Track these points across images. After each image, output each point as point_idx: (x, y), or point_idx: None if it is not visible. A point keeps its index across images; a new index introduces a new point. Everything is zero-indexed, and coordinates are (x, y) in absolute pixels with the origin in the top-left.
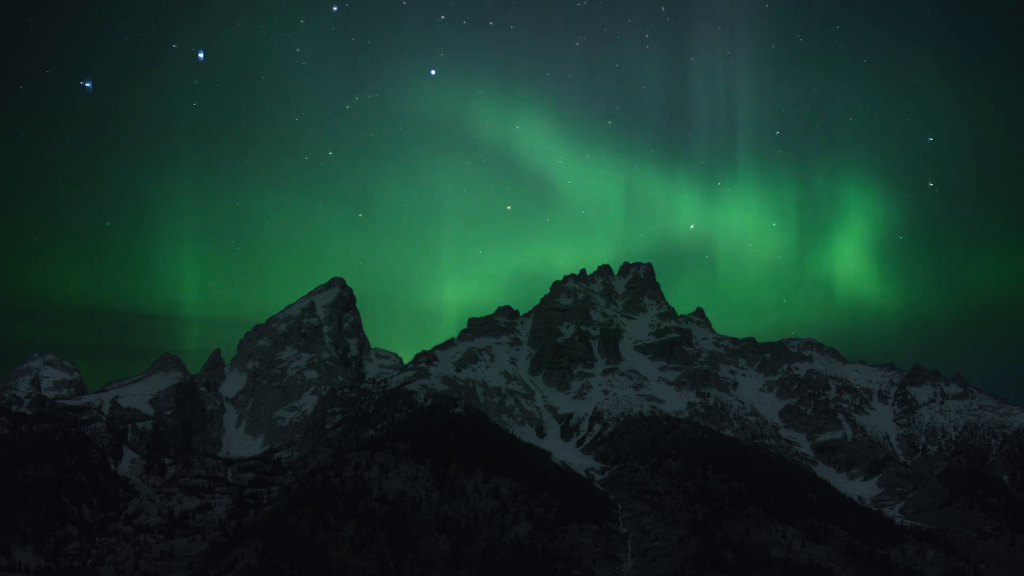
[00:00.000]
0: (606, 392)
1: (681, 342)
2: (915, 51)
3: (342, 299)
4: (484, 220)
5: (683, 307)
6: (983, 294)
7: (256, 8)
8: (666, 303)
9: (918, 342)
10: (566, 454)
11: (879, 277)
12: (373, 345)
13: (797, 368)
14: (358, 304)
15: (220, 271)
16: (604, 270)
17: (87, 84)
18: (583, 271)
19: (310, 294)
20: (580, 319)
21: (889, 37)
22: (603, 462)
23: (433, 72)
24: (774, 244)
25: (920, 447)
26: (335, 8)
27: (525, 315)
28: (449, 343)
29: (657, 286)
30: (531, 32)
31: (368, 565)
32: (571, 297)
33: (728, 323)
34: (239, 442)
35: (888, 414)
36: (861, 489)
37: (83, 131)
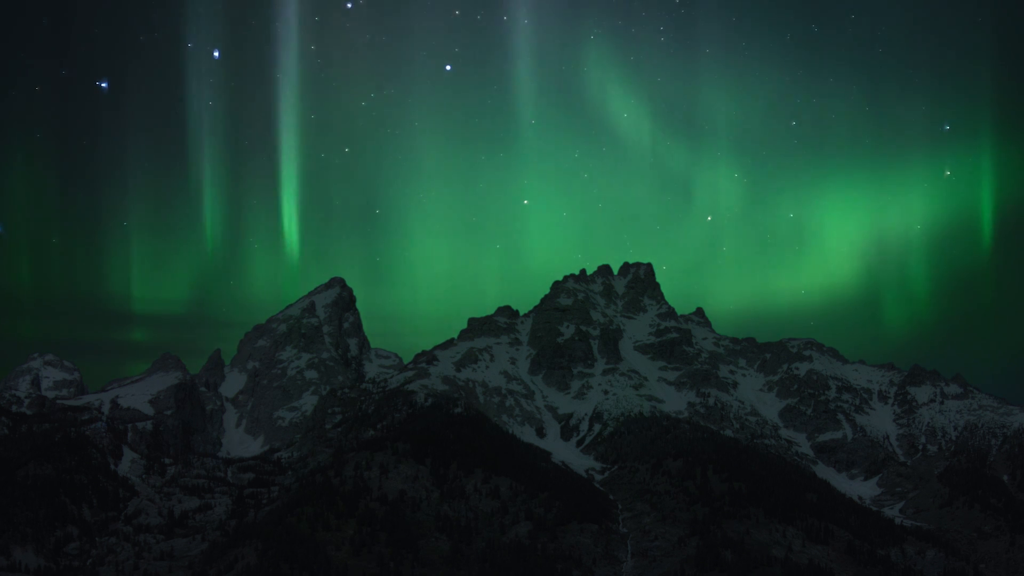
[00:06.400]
0: (606, 392)
1: (681, 342)
2: (931, 39)
3: (342, 299)
4: (498, 216)
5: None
6: (991, 289)
7: (271, 6)
8: (666, 303)
9: (918, 342)
10: (566, 454)
11: (889, 272)
12: (373, 345)
13: (797, 368)
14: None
15: (233, 270)
16: (604, 270)
17: (103, 84)
18: (583, 271)
19: (310, 294)
20: (580, 319)
21: (904, 25)
22: (603, 462)
23: (448, 68)
24: (789, 235)
25: (920, 447)
26: (350, 5)
27: (525, 315)
28: (449, 343)
29: (657, 286)
30: (545, 27)
31: (368, 565)
32: (571, 297)
33: (736, 306)
34: (239, 442)
35: (888, 414)
36: (861, 489)
37: (99, 131)
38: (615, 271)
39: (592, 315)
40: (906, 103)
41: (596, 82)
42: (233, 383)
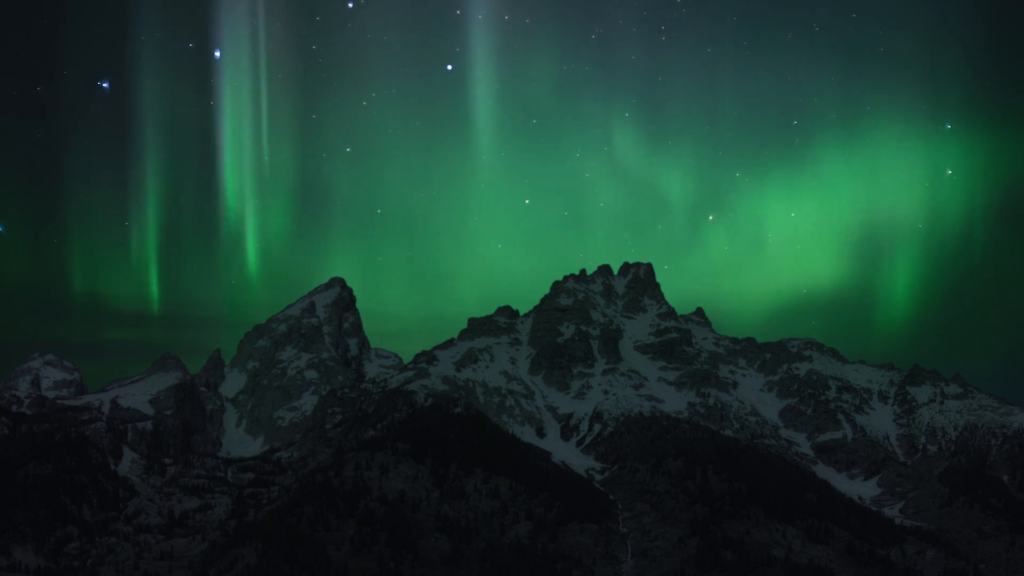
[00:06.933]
0: (606, 392)
1: (681, 342)
2: (932, 37)
3: (342, 299)
4: (502, 215)
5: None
6: (992, 289)
7: (272, 6)
8: (666, 303)
9: (918, 342)
10: (566, 454)
11: (890, 272)
12: (373, 345)
13: (797, 368)
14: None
15: (234, 270)
16: (604, 270)
17: (104, 85)
18: (583, 271)
19: (310, 294)
20: (580, 319)
21: (906, 24)
22: (603, 462)
23: (449, 67)
24: (792, 234)
25: (920, 447)
26: (351, 5)
27: (525, 315)
28: (449, 343)
29: (657, 286)
30: (547, 26)
31: (368, 565)
32: (571, 297)
33: (738, 307)
34: (239, 442)
35: (888, 414)
36: (861, 489)
37: (101, 131)
38: (615, 271)
39: (592, 315)
40: (907, 102)
41: (597, 81)
42: (233, 383)
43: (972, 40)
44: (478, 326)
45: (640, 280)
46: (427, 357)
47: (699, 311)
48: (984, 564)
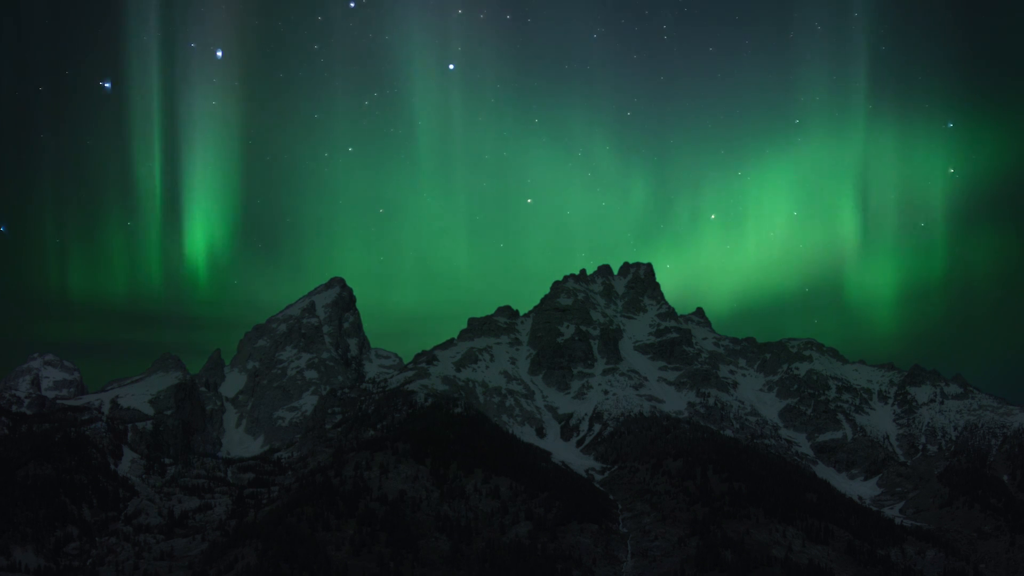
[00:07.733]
0: (606, 392)
1: (681, 342)
2: (934, 37)
3: (342, 299)
4: (503, 214)
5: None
6: (992, 288)
7: (274, 6)
8: (666, 303)
9: (918, 342)
10: (566, 454)
11: (891, 271)
12: (374, 345)
13: (797, 368)
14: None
15: (235, 270)
16: (604, 270)
17: (106, 84)
18: (583, 271)
19: (310, 294)
20: (580, 319)
21: (908, 23)
22: (603, 462)
23: (451, 67)
24: (793, 233)
25: (920, 447)
26: (352, 4)
27: (525, 315)
28: (449, 343)
29: (657, 286)
30: (548, 25)
31: (368, 565)
32: (571, 297)
33: (738, 307)
34: (239, 442)
35: (888, 414)
36: (861, 489)
37: (103, 131)
38: (615, 271)
39: (592, 315)
40: (909, 101)
41: (599, 80)
42: (233, 383)
43: (974, 39)
44: (478, 326)
45: (640, 280)
46: (427, 357)
47: (699, 311)
48: (984, 564)
